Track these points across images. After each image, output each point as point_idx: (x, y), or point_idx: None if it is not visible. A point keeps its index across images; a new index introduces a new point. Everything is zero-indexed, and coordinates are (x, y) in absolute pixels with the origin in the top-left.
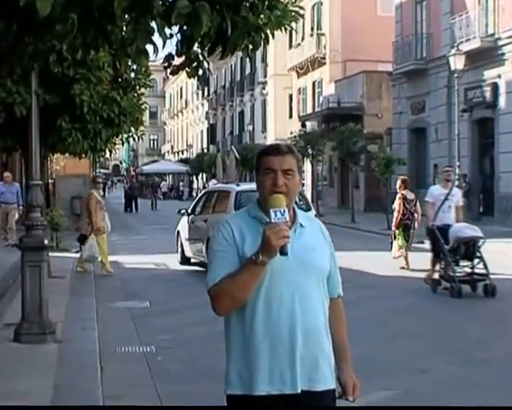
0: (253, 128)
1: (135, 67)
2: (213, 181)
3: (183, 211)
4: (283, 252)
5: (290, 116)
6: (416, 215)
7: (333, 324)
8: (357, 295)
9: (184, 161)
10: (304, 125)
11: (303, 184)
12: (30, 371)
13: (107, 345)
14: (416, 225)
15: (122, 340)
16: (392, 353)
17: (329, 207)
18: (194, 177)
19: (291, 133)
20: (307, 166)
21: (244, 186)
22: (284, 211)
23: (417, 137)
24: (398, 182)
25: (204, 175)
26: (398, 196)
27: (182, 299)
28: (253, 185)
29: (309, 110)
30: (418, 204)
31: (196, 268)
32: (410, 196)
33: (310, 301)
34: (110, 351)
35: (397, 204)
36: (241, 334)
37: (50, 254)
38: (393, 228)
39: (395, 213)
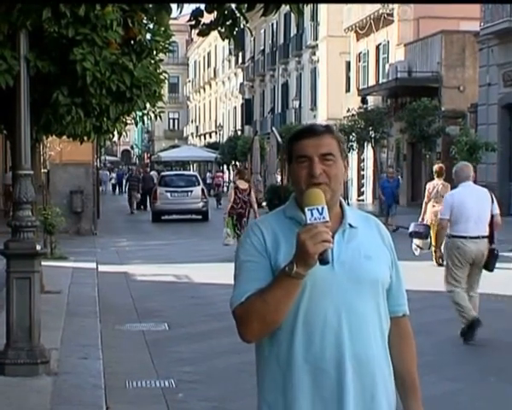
0: (300, 104)
1: (152, 26)
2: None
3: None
4: (323, 260)
5: (347, 89)
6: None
7: (396, 349)
8: (432, 319)
9: (213, 147)
10: (364, 101)
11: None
12: None
13: (115, 379)
14: (248, 214)
15: (134, 372)
16: (476, 393)
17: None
18: (225, 166)
19: (348, 111)
20: (368, 152)
21: (168, 172)
22: (322, 208)
23: (511, 115)
24: (235, 171)
25: (237, 164)
26: (231, 185)
27: (208, 321)
28: (178, 171)
29: (371, 82)
30: (253, 194)
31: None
32: (243, 185)
33: (362, 324)
34: (119, 386)
35: (229, 194)
36: (275, 364)
37: (43, 263)
38: (224, 216)
39: (228, 204)
